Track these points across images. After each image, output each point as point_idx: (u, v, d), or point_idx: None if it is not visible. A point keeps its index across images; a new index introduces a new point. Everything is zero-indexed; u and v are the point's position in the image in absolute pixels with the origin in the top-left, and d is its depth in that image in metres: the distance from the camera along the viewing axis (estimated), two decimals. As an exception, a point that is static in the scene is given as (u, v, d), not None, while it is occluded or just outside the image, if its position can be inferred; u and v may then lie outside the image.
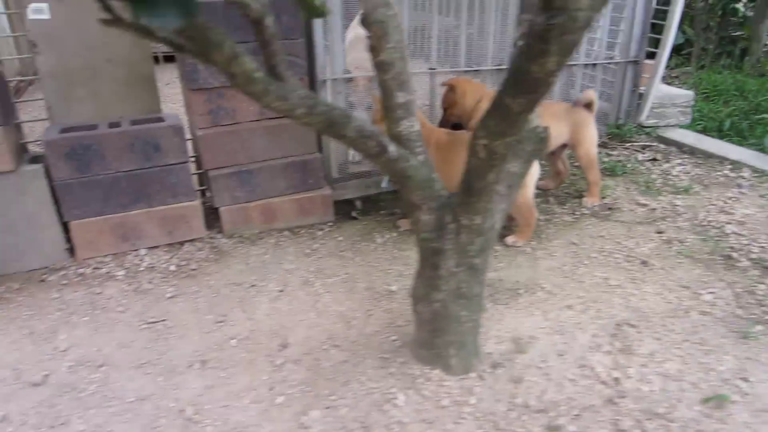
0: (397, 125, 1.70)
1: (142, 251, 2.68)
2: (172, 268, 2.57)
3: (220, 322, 2.21)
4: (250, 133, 2.73)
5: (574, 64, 3.59)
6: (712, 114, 4.44)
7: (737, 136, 4.04)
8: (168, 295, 2.38)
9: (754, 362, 1.95)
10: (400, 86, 1.65)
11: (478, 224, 1.73)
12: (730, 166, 3.56)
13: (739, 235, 2.77)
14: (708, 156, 3.69)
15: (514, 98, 1.37)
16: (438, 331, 1.88)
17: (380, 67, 1.62)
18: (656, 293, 2.35)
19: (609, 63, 3.71)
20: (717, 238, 2.76)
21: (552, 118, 2.74)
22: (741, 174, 3.46)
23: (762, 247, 2.66)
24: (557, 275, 2.50)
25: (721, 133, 4.08)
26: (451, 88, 2.92)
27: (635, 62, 3.74)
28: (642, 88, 3.80)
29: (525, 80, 1.30)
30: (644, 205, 3.13)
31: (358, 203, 3.16)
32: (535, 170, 2.65)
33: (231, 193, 2.78)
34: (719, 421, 1.71)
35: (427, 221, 1.79)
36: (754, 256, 2.59)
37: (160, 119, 2.63)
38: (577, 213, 3.07)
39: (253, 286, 2.44)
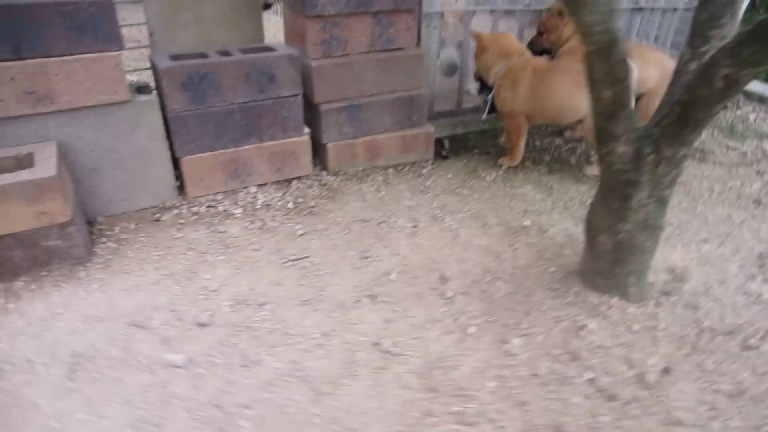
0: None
1: (252, 188, 2.57)
2: (290, 205, 2.48)
3: (366, 257, 2.15)
4: (361, 66, 2.60)
5: (653, 8, 3.51)
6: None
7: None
8: (299, 232, 2.29)
9: None
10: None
11: (681, 156, 1.70)
12: None
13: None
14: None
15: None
16: (620, 261, 1.87)
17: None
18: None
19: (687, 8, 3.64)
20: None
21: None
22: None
23: None
24: (679, 212, 2.51)
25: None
26: (558, 13, 2.83)
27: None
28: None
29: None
30: (734, 148, 3.16)
31: (446, 142, 3.09)
32: None
33: (339, 128, 2.66)
34: None
35: (624, 152, 1.75)
36: None
37: (271, 48, 2.47)
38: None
39: (382, 222, 2.38)
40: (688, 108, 1.59)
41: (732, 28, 1.67)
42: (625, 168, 1.76)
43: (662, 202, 1.79)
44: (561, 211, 2.50)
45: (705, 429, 1.45)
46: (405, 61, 2.67)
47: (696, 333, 1.77)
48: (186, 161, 2.40)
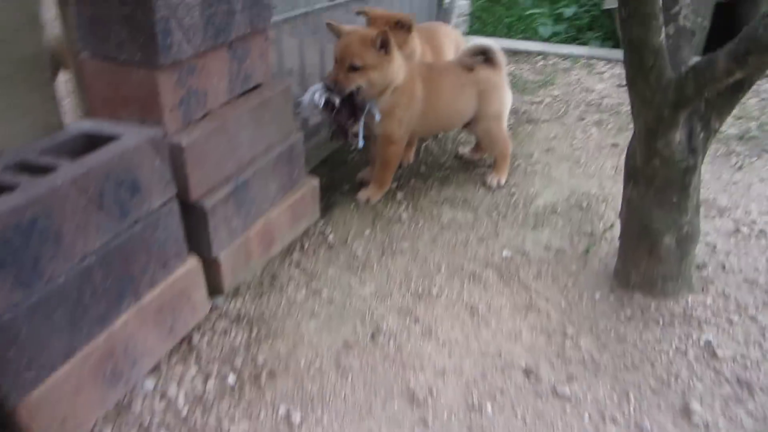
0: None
1: (148, 384, 1.44)
2: (211, 386, 1.49)
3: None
4: (234, 124, 1.68)
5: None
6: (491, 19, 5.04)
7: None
8: None
9: None
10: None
11: (722, 123, 1.61)
12: (540, 57, 4.17)
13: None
14: (516, 52, 4.19)
15: None
16: (685, 255, 1.71)
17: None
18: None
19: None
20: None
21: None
22: (550, 60, 4.10)
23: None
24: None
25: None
26: (405, 26, 2.38)
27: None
28: (447, 1, 3.92)
29: None
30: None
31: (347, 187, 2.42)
32: (509, 99, 2.51)
33: (228, 225, 1.71)
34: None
35: (681, 139, 1.56)
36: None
37: (110, 136, 1.35)
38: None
39: (372, 338, 1.65)
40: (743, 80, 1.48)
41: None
42: (683, 156, 1.59)
43: (700, 176, 1.69)
44: (516, 226, 2.20)
45: None
46: (275, 103, 1.86)
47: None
48: (26, 406, 1.15)
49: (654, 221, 1.67)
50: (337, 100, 2.07)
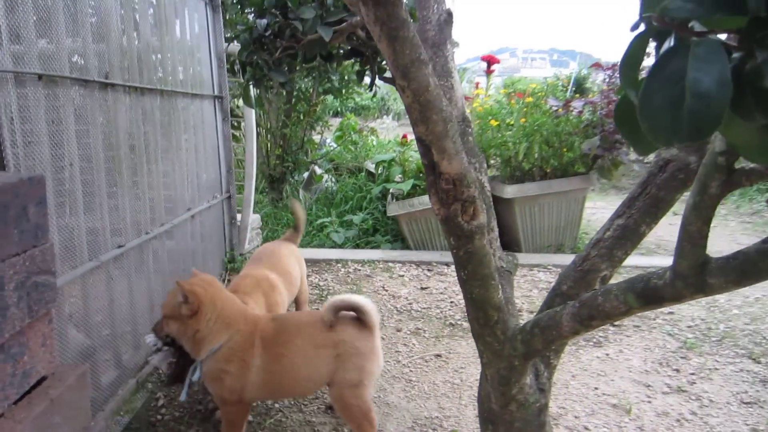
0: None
1: None
2: None
3: None
4: (9, 451, 1.21)
5: (182, 219, 3.25)
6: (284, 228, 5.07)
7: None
8: None
9: None
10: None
11: (559, 359, 1.70)
12: (340, 264, 4.23)
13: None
14: (315, 261, 4.19)
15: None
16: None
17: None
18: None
19: (211, 204, 3.57)
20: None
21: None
22: (350, 267, 4.17)
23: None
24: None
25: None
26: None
27: (229, 197, 3.75)
28: (239, 220, 3.84)
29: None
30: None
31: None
32: (377, 366, 2.06)
33: None
34: None
35: (530, 382, 1.59)
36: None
37: None
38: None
39: None
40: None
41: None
42: (536, 397, 1.61)
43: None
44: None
45: None
46: (66, 399, 1.44)
47: None
48: None
49: (523, 467, 1.61)
50: (161, 346, 1.98)
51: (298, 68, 2.83)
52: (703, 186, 1.07)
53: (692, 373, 2.67)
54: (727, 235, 5.30)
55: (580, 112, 4.46)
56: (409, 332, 3.14)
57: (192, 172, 3.30)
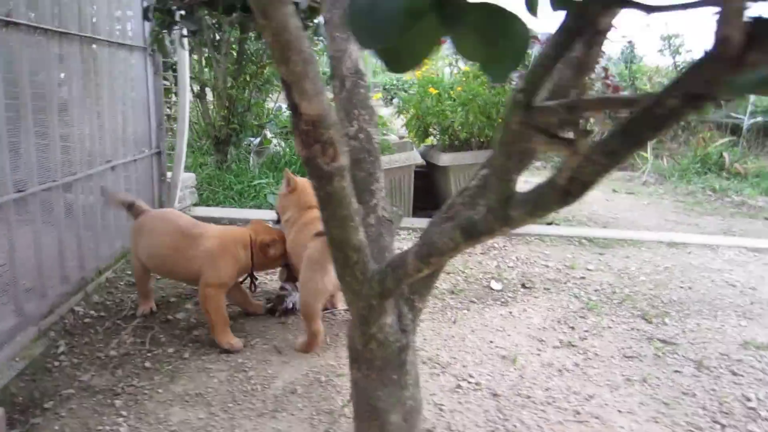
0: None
1: None
2: None
3: None
4: None
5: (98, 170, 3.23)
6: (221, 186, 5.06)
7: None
8: None
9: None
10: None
11: (425, 303, 1.79)
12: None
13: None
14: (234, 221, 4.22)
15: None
16: (412, 427, 1.75)
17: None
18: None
19: (137, 158, 3.56)
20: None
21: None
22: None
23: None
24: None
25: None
26: None
27: (158, 153, 3.74)
28: (169, 177, 3.84)
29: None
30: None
31: None
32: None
33: None
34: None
35: (391, 323, 1.67)
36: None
37: None
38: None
39: None
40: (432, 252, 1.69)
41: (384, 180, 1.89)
42: (396, 337, 1.69)
43: (414, 352, 1.82)
44: (255, 416, 2.03)
45: None
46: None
47: None
48: None
49: (379, 401, 1.71)
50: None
51: (215, 20, 2.83)
52: (506, 123, 1.14)
53: (586, 331, 2.81)
54: (659, 213, 5.50)
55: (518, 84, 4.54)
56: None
57: (115, 125, 3.27)
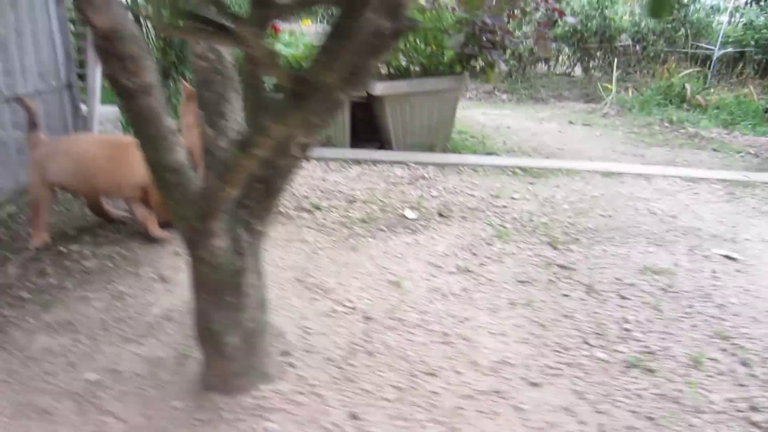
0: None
1: None
2: None
3: None
4: None
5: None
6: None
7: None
8: None
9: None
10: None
11: (267, 225, 1.74)
12: None
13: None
14: None
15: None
16: (253, 349, 1.75)
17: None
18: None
19: (41, 91, 3.41)
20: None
21: None
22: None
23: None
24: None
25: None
26: None
27: (69, 86, 3.59)
28: (84, 109, 3.71)
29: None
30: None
31: None
32: None
33: None
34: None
35: (224, 246, 1.62)
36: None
37: None
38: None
39: None
40: (271, 179, 1.63)
41: (239, 102, 1.80)
42: (230, 260, 1.65)
43: (261, 273, 1.79)
44: (120, 341, 2.03)
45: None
46: None
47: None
48: None
49: (214, 323, 1.69)
50: None
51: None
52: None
53: (487, 257, 2.79)
54: (608, 144, 5.40)
55: (454, 9, 4.34)
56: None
57: (10, 56, 3.13)
